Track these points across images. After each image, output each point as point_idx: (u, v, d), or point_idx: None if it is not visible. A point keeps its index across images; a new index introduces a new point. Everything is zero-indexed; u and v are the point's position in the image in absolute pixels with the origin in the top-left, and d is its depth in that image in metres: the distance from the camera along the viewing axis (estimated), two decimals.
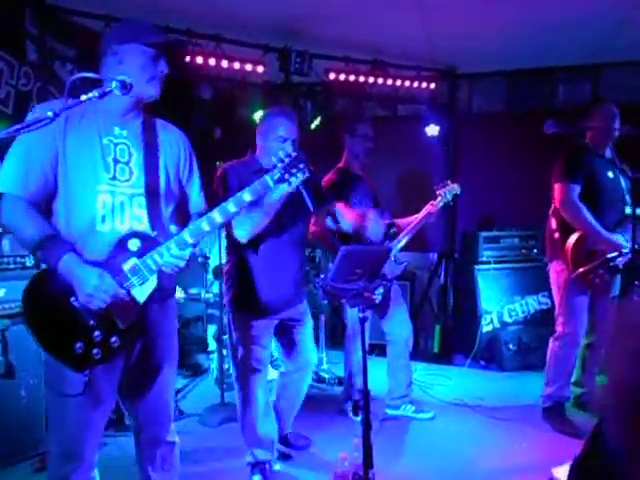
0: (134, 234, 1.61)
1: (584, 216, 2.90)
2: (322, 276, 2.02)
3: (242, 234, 2.23)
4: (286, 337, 2.60)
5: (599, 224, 2.89)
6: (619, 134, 3.00)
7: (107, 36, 1.71)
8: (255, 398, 2.46)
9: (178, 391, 3.72)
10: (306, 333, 2.62)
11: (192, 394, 3.81)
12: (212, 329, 4.15)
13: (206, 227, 1.63)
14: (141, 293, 1.60)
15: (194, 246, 1.68)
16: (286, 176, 1.71)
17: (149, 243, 1.60)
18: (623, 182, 3.03)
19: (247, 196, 1.66)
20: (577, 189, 2.93)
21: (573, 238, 2.94)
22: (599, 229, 2.88)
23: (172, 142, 1.78)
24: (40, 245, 1.52)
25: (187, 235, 1.61)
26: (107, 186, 1.61)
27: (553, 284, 3.18)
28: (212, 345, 4.23)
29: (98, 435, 1.71)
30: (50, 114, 1.31)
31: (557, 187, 3.01)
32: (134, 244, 1.59)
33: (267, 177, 1.71)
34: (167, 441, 1.84)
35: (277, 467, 2.69)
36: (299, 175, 1.75)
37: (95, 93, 1.41)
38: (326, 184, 3.11)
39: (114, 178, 1.62)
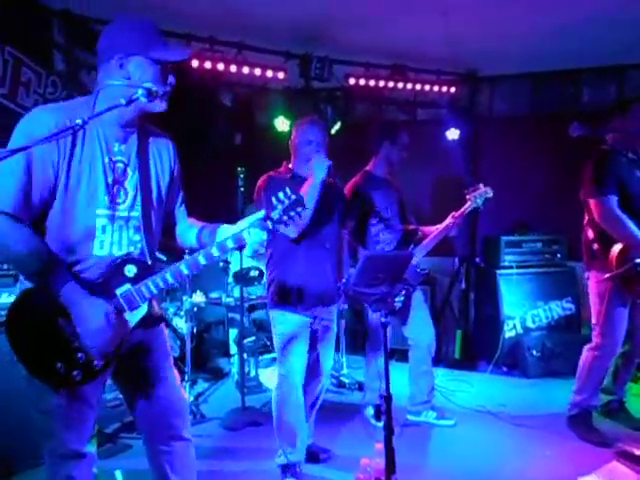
0: (131, 260, 1.61)
1: (627, 229, 2.80)
2: (344, 280, 2.02)
3: (292, 232, 2.44)
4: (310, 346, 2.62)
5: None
6: None
7: (110, 38, 1.59)
8: (294, 398, 2.54)
9: (199, 395, 3.76)
10: (329, 344, 2.71)
11: (213, 398, 3.84)
12: (233, 333, 4.18)
13: (202, 261, 1.63)
14: (131, 319, 1.60)
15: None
16: (284, 217, 1.68)
17: (145, 271, 1.61)
18: None
19: (246, 234, 1.65)
20: (614, 199, 2.83)
21: (617, 248, 2.85)
22: None
23: (162, 154, 1.77)
24: (40, 271, 1.49)
25: (184, 267, 1.62)
26: (106, 210, 1.60)
27: (592, 294, 3.06)
28: (233, 349, 4.27)
29: (89, 432, 1.70)
30: (79, 121, 1.33)
31: (592, 203, 2.90)
32: (130, 270, 1.59)
33: (268, 220, 1.70)
34: (184, 437, 1.82)
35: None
36: (295, 218, 1.71)
37: (122, 101, 1.43)
38: (352, 186, 3.13)
39: (112, 201, 1.61)
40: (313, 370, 2.68)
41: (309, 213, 2.40)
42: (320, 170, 2.37)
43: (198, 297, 3.76)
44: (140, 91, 1.49)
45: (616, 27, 3.81)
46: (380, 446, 1.94)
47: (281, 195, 1.67)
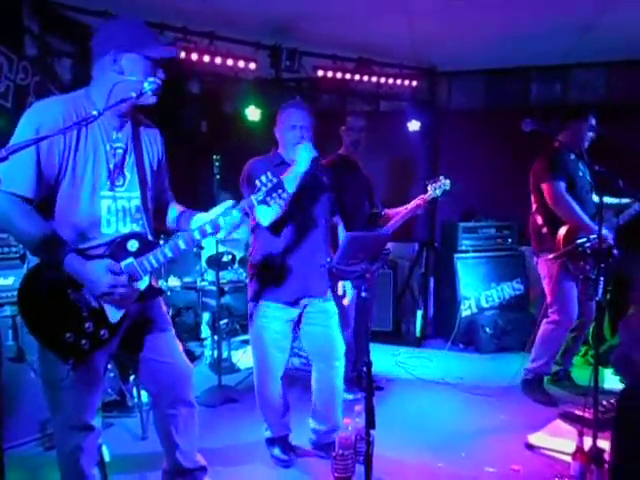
0: (133, 235, 1.74)
1: (575, 210, 3.21)
2: (328, 259, 2.17)
3: (265, 220, 2.38)
4: (311, 331, 2.60)
5: None
6: (594, 136, 3.33)
7: (105, 36, 1.72)
8: (273, 378, 2.58)
9: None
10: (332, 327, 2.61)
11: None
12: (206, 317, 4.30)
13: (197, 236, 1.79)
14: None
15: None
16: (267, 199, 1.86)
17: (147, 246, 1.74)
18: (588, 177, 3.38)
19: (237, 213, 1.83)
20: (563, 185, 3.25)
21: (563, 230, 3.23)
22: (588, 221, 3.18)
23: (152, 140, 1.92)
24: (41, 244, 1.58)
25: (181, 242, 1.76)
26: (109, 192, 1.73)
27: (543, 275, 3.44)
28: (205, 332, 4.38)
29: (97, 404, 1.83)
30: (95, 113, 1.45)
31: (545, 187, 3.30)
32: (133, 245, 1.72)
33: (252, 197, 1.87)
34: (189, 402, 1.96)
35: None
36: (277, 200, 1.89)
37: (133, 94, 1.56)
38: (326, 165, 3.27)
39: (113, 184, 1.75)
40: (325, 358, 2.62)
41: (283, 203, 2.22)
42: (303, 160, 2.28)
43: (173, 281, 3.86)
44: (147, 85, 1.62)
45: (561, 31, 4.14)
46: (359, 408, 2.15)
47: (263, 178, 1.86)
